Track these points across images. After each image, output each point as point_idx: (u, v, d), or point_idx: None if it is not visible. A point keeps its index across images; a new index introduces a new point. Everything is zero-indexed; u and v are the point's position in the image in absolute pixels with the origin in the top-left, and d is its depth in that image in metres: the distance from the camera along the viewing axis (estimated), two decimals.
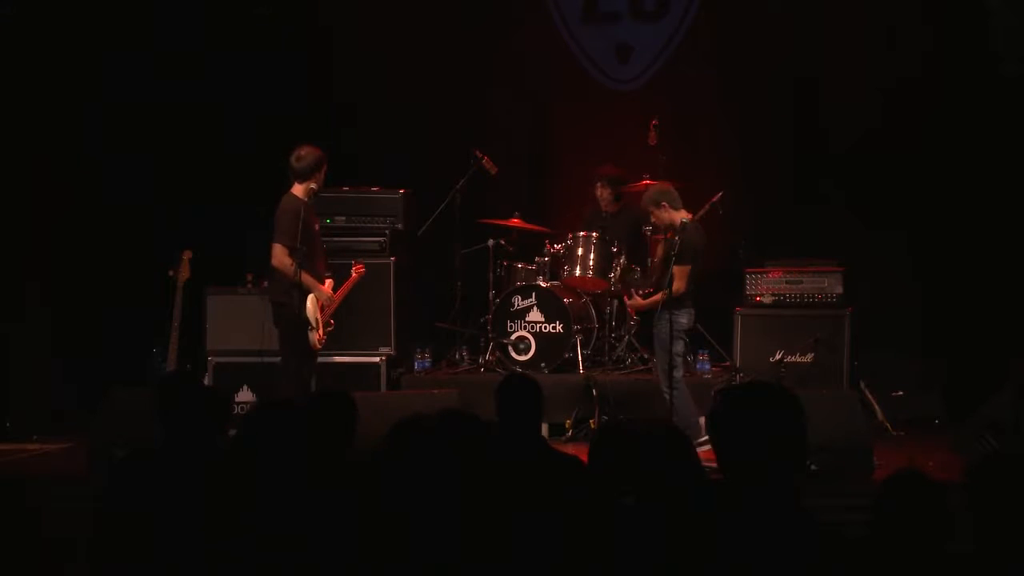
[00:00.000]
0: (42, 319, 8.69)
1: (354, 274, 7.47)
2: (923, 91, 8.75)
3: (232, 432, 4.01)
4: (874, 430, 7.35)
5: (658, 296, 7.07)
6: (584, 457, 3.87)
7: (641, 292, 7.46)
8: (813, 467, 6.11)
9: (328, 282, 7.20)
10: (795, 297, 8.36)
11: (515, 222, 8.71)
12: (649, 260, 8.18)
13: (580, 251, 8.42)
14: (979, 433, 6.68)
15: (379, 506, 2.86)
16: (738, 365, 8.20)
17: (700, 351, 8.46)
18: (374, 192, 8.69)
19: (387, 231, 8.54)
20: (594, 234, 8.42)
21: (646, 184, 8.34)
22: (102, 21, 8.92)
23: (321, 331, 7.05)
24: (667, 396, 7.06)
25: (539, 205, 9.43)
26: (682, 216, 7.15)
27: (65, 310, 8.83)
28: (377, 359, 8.31)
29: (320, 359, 7.41)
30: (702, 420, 6.53)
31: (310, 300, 7.02)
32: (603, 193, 8.81)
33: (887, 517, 3.04)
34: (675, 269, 7.01)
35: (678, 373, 7.13)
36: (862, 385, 8.05)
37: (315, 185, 7.05)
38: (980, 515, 2.85)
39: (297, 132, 8.44)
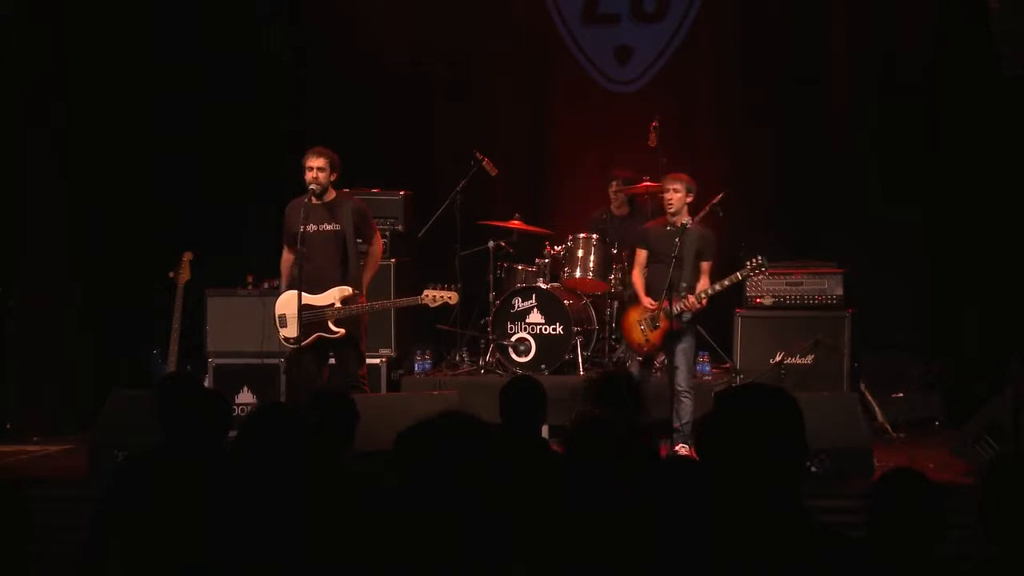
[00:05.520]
0: (42, 321, 8.68)
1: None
2: (923, 92, 8.75)
3: (232, 434, 4.01)
4: (874, 432, 7.35)
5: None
6: None
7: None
8: (813, 469, 6.12)
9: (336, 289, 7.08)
10: (795, 299, 8.36)
11: (515, 224, 8.69)
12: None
13: (580, 253, 8.43)
14: (979, 435, 6.68)
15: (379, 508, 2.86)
16: (738, 367, 8.21)
17: (701, 353, 8.46)
18: (374, 193, 8.67)
19: (387, 232, 8.53)
20: (594, 236, 8.42)
21: (646, 186, 8.35)
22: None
23: (295, 328, 6.93)
24: (688, 398, 7.17)
25: (539, 207, 9.43)
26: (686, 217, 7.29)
27: (65, 311, 8.82)
28: (377, 360, 8.30)
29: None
30: None
31: (280, 298, 7.07)
32: (618, 193, 8.78)
33: (883, 516, 3.05)
34: (704, 265, 7.29)
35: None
36: (862, 387, 8.05)
37: (312, 186, 7.02)
38: (994, 518, 2.85)
39: (297, 134, 8.47)
